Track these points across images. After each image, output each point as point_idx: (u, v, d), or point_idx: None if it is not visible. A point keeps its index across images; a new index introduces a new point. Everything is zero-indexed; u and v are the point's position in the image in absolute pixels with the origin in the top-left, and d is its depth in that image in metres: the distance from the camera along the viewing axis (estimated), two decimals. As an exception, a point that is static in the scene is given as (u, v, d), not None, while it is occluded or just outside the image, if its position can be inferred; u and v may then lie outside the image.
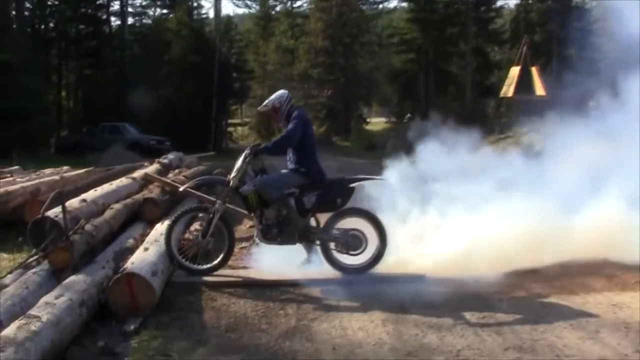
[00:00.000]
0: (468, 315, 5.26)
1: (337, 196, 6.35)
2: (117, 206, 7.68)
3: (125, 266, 5.46)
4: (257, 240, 6.61)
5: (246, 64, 41.99)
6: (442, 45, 35.62)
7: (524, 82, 27.76)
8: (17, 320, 4.07)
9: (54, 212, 6.45)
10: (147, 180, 9.75)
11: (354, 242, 6.35)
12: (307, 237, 6.41)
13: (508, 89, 28.59)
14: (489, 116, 33.06)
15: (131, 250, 6.37)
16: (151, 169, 11.04)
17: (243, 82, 40.82)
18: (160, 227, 7.08)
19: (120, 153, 21.67)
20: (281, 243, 6.35)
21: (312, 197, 6.36)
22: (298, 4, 46.13)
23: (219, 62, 33.97)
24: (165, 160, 12.44)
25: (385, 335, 4.88)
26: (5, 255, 7.42)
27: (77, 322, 4.57)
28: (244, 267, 6.72)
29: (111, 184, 8.82)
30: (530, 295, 5.85)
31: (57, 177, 10.76)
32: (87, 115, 33.71)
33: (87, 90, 34.90)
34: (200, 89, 32.22)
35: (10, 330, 3.89)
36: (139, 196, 8.61)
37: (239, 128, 43.81)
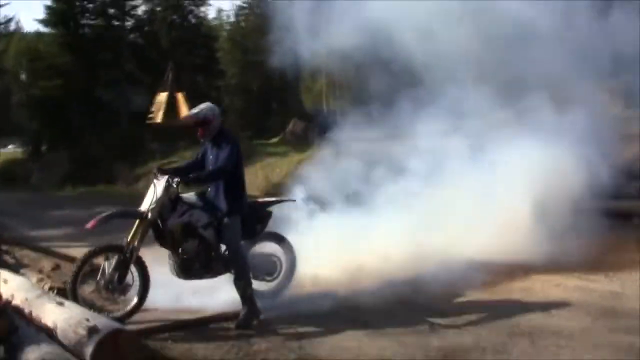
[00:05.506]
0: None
1: (256, 222, 6.21)
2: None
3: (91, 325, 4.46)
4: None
5: None
6: (95, 71, 33.84)
7: (171, 107, 28.00)
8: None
9: None
10: None
11: (267, 267, 6.34)
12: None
13: (156, 115, 28.69)
14: (147, 143, 32.60)
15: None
16: None
17: None
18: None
19: None
20: (205, 277, 5.93)
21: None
22: None
23: None
24: None
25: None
26: None
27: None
28: (151, 310, 6.00)
29: None
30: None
31: None
32: None
33: None
34: None
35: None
36: None
37: None
